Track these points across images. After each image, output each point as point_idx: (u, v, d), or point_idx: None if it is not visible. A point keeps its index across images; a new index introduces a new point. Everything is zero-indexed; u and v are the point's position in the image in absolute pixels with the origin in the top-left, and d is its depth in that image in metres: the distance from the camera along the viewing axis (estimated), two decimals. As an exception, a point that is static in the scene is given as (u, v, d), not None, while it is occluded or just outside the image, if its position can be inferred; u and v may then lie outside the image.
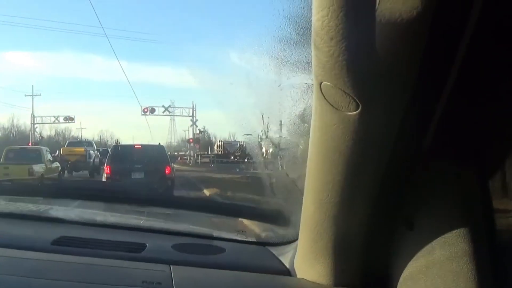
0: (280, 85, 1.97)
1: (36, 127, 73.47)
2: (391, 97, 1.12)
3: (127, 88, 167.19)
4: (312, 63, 1.10)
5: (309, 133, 1.42)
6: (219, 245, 2.23)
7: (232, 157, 60.93)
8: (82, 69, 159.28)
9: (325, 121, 1.22)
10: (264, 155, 3.12)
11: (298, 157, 2.20)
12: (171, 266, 1.83)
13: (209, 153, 70.43)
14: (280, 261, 2.03)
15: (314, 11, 0.98)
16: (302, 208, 1.62)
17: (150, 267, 1.84)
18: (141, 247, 2.06)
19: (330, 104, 1.14)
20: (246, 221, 3.17)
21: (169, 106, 67.34)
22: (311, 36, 1.04)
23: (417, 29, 0.97)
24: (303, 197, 1.58)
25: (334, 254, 1.58)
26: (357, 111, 1.11)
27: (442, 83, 1.18)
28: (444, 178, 1.36)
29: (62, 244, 2.04)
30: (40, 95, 78.10)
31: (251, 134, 2.70)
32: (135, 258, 1.93)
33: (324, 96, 1.13)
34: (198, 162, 59.37)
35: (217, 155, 66.63)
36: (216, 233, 2.52)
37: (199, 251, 2.10)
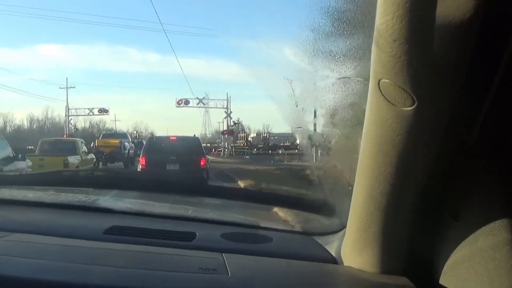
0: (328, 77, 2.01)
1: (71, 119, 74.12)
2: (444, 94, 1.21)
3: (161, 80, 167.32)
4: (372, 61, 1.19)
5: (357, 126, 1.49)
6: (266, 234, 2.28)
7: (255, 149, 60.57)
8: (116, 62, 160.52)
9: (380, 115, 1.29)
10: (312, 147, 3.15)
11: (345, 149, 2.24)
12: (223, 254, 1.89)
13: (244, 144, 70.14)
14: (327, 250, 2.06)
15: (378, 15, 1.07)
16: (352, 198, 1.66)
17: (203, 254, 1.89)
18: (192, 236, 2.12)
19: (387, 99, 1.21)
20: (283, 212, 3.21)
21: (203, 98, 67.45)
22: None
23: (469, 31, 1.06)
24: (354, 187, 1.62)
25: (382, 243, 1.62)
26: (413, 107, 1.19)
27: (490, 80, 1.26)
28: (489, 170, 1.42)
29: (115, 233, 2.10)
30: (74, 87, 79.02)
31: (301, 127, 2.74)
32: (187, 247, 1.99)
33: (381, 92, 1.21)
34: (232, 154, 59.30)
35: (251, 147, 66.35)
36: (262, 223, 2.57)
37: (247, 240, 2.15)
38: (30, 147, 32.24)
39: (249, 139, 79.46)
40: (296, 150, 49.75)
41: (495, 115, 1.33)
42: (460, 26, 1.03)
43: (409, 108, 1.20)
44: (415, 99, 1.17)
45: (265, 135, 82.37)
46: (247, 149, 63.60)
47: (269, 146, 69.46)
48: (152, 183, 3.14)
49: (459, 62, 1.14)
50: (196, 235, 2.13)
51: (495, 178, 1.40)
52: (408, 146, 1.32)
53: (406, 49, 1.07)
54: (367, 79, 1.28)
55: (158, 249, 1.94)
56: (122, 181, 3.27)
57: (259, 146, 71.23)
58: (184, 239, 2.08)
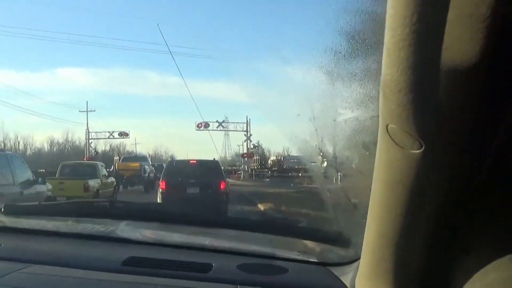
0: (336, 111, 2.04)
1: (91, 142, 74.51)
2: (452, 137, 1.23)
3: (180, 104, 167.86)
4: (380, 107, 1.23)
5: (366, 154, 1.52)
6: (281, 265, 2.29)
7: (270, 172, 60.25)
8: (135, 85, 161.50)
9: (389, 157, 1.32)
10: (323, 173, 3.17)
11: (357, 181, 2.26)
12: (238, 286, 1.91)
13: (262, 167, 70.08)
14: (342, 281, 2.07)
15: (384, 66, 1.11)
16: (365, 233, 1.68)
17: (219, 287, 1.93)
18: (208, 267, 2.14)
19: (395, 142, 1.25)
20: (306, 241, 3.22)
21: (223, 121, 67.65)
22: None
23: (474, 80, 1.08)
24: (366, 222, 1.65)
25: (395, 277, 1.64)
26: (421, 150, 1.22)
27: (497, 125, 1.28)
28: (500, 206, 1.44)
29: (133, 265, 2.13)
30: (94, 111, 79.25)
31: (315, 162, 2.76)
32: (203, 278, 2.01)
33: (389, 135, 1.24)
34: (252, 176, 59.20)
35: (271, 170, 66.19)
36: (278, 253, 2.58)
37: (263, 272, 2.16)
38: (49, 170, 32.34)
39: (269, 162, 79.48)
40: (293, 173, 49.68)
41: (505, 157, 1.35)
42: (467, 75, 1.06)
43: (417, 151, 1.23)
44: (422, 143, 1.20)
45: (279, 157, 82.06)
46: (266, 171, 63.40)
47: (283, 169, 69.25)
48: (169, 215, 3.15)
49: (466, 107, 1.17)
50: (212, 266, 2.15)
51: (505, 213, 1.42)
52: (417, 187, 1.34)
53: (411, 98, 1.10)
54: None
55: (175, 281, 1.96)
56: (139, 212, 3.29)
57: (273, 169, 70.90)
58: (201, 271, 2.10)
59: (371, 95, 1.68)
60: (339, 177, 3.09)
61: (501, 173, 1.40)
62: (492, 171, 1.39)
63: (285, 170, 65.98)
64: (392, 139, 1.25)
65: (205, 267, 2.14)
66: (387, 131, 1.24)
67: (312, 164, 2.80)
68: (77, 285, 1.84)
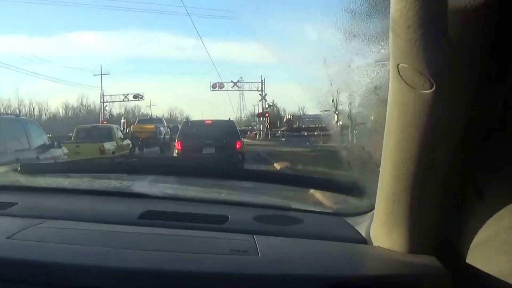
0: (351, 59, 2.02)
1: (106, 105, 74.51)
2: (462, 76, 1.23)
3: (195, 65, 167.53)
4: (390, 47, 1.22)
5: (381, 107, 1.51)
6: (297, 216, 2.31)
7: (279, 132, 59.87)
8: (149, 47, 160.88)
9: (401, 99, 1.32)
10: (339, 129, 3.16)
11: (372, 130, 2.26)
12: (254, 235, 1.92)
13: (278, 126, 69.77)
14: (357, 231, 2.09)
15: (392, 3, 1.11)
16: (379, 179, 1.69)
17: (234, 237, 1.93)
18: (224, 218, 2.16)
19: (407, 83, 1.25)
20: (320, 193, 3.22)
21: (238, 81, 67.36)
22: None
23: (484, 15, 1.08)
24: (380, 169, 1.65)
25: (409, 223, 1.65)
26: (432, 90, 1.22)
27: (509, 62, 1.27)
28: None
29: (149, 218, 2.14)
30: (108, 74, 79.13)
31: (329, 110, 2.75)
32: (219, 229, 2.03)
33: (401, 76, 1.24)
34: (268, 136, 59.10)
35: (288, 129, 65.83)
36: (293, 205, 2.60)
37: (279, 222, 2.18)
38: (70, 134, 32.34)
39: (284, 120, 79.14)
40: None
41: None
42: (475, 8, 1.06)
43: (428, 91, 1.23)
44: (433, 82, 1.20)
45: (289, 117, 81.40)
46: (276, 130, 63.04)
47: (293, 128, 68.68)
48: (185, 169, 3.15)
49: (476, 43, 1.16)
50: (228, 217, 2.18)
51: None
52: (430, 128, 1.35)
53: (421, 34, 1.10)
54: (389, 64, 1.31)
55: (192, 232, 1.97)
56: (155, 167, 3.30)
57: (282, 128, 70.26)
58: (216, 222, 2.12)
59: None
60: (354, 134, 3.09)
61: None
62: (504, 113, 1.38)
63: (296, 129, 65.59)
64: (403, 79, 1.25)
65: (221, 219, 2.16)
66: (398, 72, 1.24)
67: (326, 112, 2.78)
68: (93, 237, 1.86)
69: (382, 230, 1.80)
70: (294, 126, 70.85)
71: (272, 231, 2.03)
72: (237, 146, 20.94)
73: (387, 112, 1.44)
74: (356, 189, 2.33)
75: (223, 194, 2.87)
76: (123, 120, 50.00)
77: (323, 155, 22.56)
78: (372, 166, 2.02)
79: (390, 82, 1.33)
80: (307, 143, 41.84)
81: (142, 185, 3.09)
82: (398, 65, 1.22)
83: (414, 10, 1.07)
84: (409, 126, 1.37)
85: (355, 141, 2.93)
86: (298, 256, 1.81)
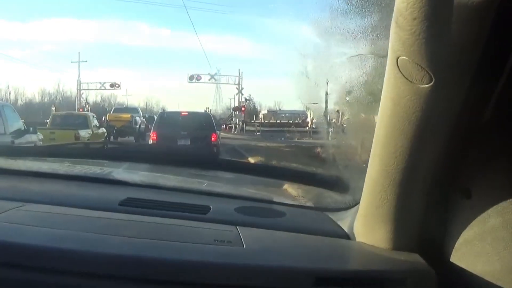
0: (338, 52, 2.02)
1: (82, 93, 73.85)
2: (461, 72, 1.23)
3: (172, 56, 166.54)
4: (391, 39, 1.21)
5: (372, 103, 1.51)
6: (279, 209, 2.30)
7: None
8: (128, 36, 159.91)
9: (397, 92, 1.31)
10: (326, 123, 3.16)
11: (359, 126, 2.26)
12: (237, 227, 1.92)
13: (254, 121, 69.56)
14: (339, 226, 2.08)
15: None
16: (367, 174, 1.69)
17: (217, 227, 1.91)
18: (206, 209, 2.14)
19: (405, 77, 1.24)
20: (293, 189, 3.20)
21: (215, 74, 67.28)
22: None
23: (485, 11, 1.08)
24: (368, 164, 1.64)
25: (395, 219, 1.65)
26: (430, 84, 1.21)
27: (504, 61, 1.28)
28: (502, 149, 1.44)
29: (130, 205, 2.11)
30: (86, 61, 78.57)
31: (317, 103, 2.74)
32: (201, 219, 2.01)
33: (399, 69, 1.23)
34: (243, 130, 59.02)
35: (262, 124, 65.66)
36: (276, 198, 2.60)
37: (261, 214, 2.17)
38: (46, 121, 32.07)
39: (259, 116, 79.05)
40: (307, 128, 49.63)
41: (510, 94, 1.35)
42: (478, 5, 1.06)
43: (426, 86, 1.22)
44: (432, 76, 1.19)
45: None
46: (257, 125, 62.88)
47: (269, 123, 68.52)
48: (166, 156, 3.13)
49: (476, 40, 1.17)
50: (210, 208, 2.16)
51: (507, 156, 1.42)
52: (423, 123, 1.34)
53: (425, 27, 1.09)
54: (383, 57, 1.31)
55: (173, 221, 1.95)
56: (136, 154, 3.27)
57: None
58: (198, 212, 2.10)
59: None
60: (340, 129, 3.08)
61: (505, 114, 1.40)
62: (495, 113, 1.39)
63: (272, 125, 65.54)
64: (401, 72, 1.24)
65: (203, 209, 2.15)
66: (397, 64, 1.23)
67: (315, 105, 2.77)
68: (72, 222, 1.83)
69: (366, 225, 1.81)
70: (270, 121, 70.88)
71: (255, 223, 2.02)
72: (213, 138, 20.90)
73: (380, 105, 1.43)
74: (340, 184, 2.32)
75: (205, 185, 2.86)
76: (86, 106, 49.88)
77: (299, 151, 22.67)
78: (356, 161, 2.02)
79: (386, 75, 1.33)
80: (282, 138, 41.93)
81: (122, 172, 3.06)
82: (397, 58, 1.21)
83: (421, 2, 1.06)
84: (402, 121, 1.37)
85: (338, 136, 2.93)
86: (283, 248, 1.80)
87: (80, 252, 1.53)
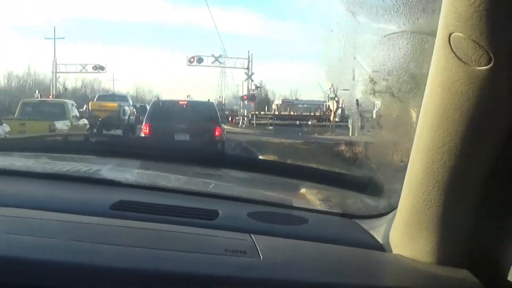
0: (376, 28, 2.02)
1: (59, 76, 73.13)
2: None
3: (169, 34, 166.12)
4: (443, 12, 1.21)
5: (414, 89, 1.51)
6: (300, 215, 2.31)
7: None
8: (116, 9, 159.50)
9: (448, 76, 1.30)
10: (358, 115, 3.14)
11: (398, 117, 2.25)
12: (251, 235, 1.92)
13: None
14: (372, 235, 2.09)
15: None
16: (406, 174, 1.68)
17: (228, 235, 1.92)
18: (214, 214, 2.15)
19: (458, 57, 1.23)
20: (321, 193, 3.19)
21: (220, 56, 66.73)
22: None
23: None
24: (409, 162, 1.64)
25: (440, 228, 1.64)
26: (489, 66, 1.20)
27: None
28: None
29: (123, 209, 2.12)
30: (63, 38, 77.91)
31: (348, 90, 2.74)
32: (208, 226, 2.01)
33: (451, 48, 1.23)
34: (253, 124, 58.74)
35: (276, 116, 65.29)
36: (295, 202, 2.59)
37: (279, 221, 2.18)
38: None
39: (273, 106, 78.79)
40: (328, 122, 49.48)
41: None
42: None
43: (484, 68, 1.21)
44: (492, 56, 1.18)
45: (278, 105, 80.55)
46: (270, 118, 62.46)
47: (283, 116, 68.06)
48: (165, 151, 3.11)
49: None
50: (218, 213, 2.16)
51: None
52: (479, 113, 1.33)
53: None
54: (430, 34, 1.30)
55: (175, 227, 1.96)
56: (127, 148, 3.24)
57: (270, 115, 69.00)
58: (205, 217, 2.11)
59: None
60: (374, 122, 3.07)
61: None
62: None
63: (289, 117, 65.01)
64: (453, 52, 1.23)
65: (211, 214, 2.15)
66: (449, 42, 1.22)
67: (346, 91, 2.76)
68: (57, 229, 1.82)
69: (405, 235, 1.80)
70: (284, 113, 70.42)
71: (272, 231, 2.03)
72: (216, 133, 20.75)
73: (426, 92, 1.42)
74: (372, 187, 2.32)
75: (211, 186, 2.86)
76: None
77: (319, 148, 22.60)
78: (393, 160, 2.02)
79: (434, 56, 1.32)
80: (300, 134, 41.82)
81: (112, 170, 3.06)
82: (450, 35, 1.21)
83: None
84: (453, 110, 1.36)
85: (371, 130, 2.92)
86: (306, 260, 1.81)
87: (69, 263, 1.51)
